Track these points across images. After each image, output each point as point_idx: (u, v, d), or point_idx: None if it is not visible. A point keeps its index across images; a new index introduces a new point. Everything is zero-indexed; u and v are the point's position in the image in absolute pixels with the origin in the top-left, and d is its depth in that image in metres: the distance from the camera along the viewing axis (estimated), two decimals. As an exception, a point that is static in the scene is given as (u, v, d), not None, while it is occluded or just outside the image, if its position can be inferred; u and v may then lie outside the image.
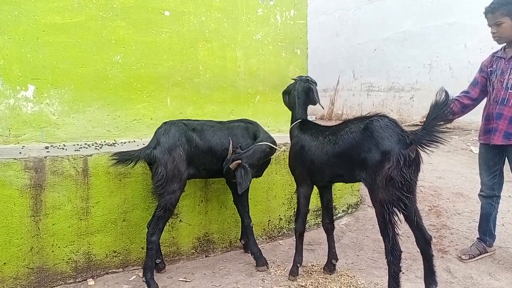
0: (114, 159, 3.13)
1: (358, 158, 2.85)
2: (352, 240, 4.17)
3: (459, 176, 5.50)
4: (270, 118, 4.97)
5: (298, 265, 3.39)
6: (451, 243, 3.96)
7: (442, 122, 2.60)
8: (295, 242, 3.45)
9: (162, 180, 3.13)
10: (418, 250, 3.79)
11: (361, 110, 10.15)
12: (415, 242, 2.97)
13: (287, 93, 3.61)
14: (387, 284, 2.85)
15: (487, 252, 3.73)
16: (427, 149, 2.70)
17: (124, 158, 3.13)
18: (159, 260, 3.52)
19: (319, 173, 3.18)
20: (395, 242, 2.75)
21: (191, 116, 4.43)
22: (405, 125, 3.58)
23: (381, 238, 2.83)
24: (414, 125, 3.68)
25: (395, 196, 2.70)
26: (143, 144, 3.64)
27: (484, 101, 3.72)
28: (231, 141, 3.41)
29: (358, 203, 4.92)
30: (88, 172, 3.39)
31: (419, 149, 2.74)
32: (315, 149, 3.15)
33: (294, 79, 3.59)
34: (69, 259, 3.37)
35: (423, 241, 2.94)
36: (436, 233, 4.14)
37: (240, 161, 3.29)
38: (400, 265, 2.80)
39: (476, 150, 6.45)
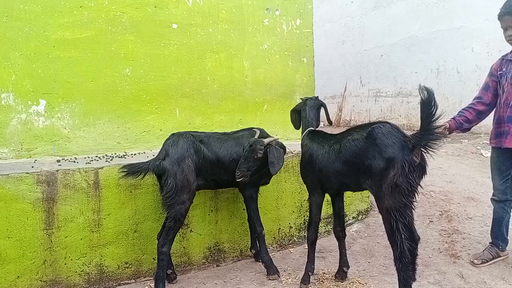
0: (123, 171, 3.17)
1: (363, 166, 2.87)
2: (363, 247, 4.16)
3: (470, 180, 5.46)
4: (278, 126, 4.99)
5: (310, 273, 3.39)
6: (463, 248, 3.93)
7: (435, 119, 2.60)
8: (307, 250, 3.45)
9: (171, 191, 3.16)
10: (430, 256, 3.80)
11: (369, 116, 10.15)
12: None
13: (295, 111, 3.67)
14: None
15: (500, 257, 3.69)
16: (431, 151, 2.70)
17: (133, 170, 3.16)
18: (171, 271, 3.54)
19: (327, 181, 3.20)
20: (403, 249, 2.74)
21: (200, 126, 4.47)
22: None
23: (390, 245, 2.83)
24: None
25: (402, 203, 2.71)
26: (153, 155, 3.69)
27: None
28: (258, 131, 3.50)
29: (368, 209, 4.90)
30: (99, 185, 3.44)
31: (423, 152, 2.74)
32: (322, 158, 3.18)
33: (302, 99, 3.65)
34: (81, 271, 3.40)
35: (411, 241, 2.90)
36: (448, 238, 4.11)
37: (275, 138, 3.36)
38: (410, 272, 2.79)
39: (486, 153, 6.40)
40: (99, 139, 4.04)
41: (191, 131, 3.53)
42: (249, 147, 3.29)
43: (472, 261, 3.67)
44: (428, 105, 2.59)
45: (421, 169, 2.78)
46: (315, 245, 3.43)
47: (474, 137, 7.45)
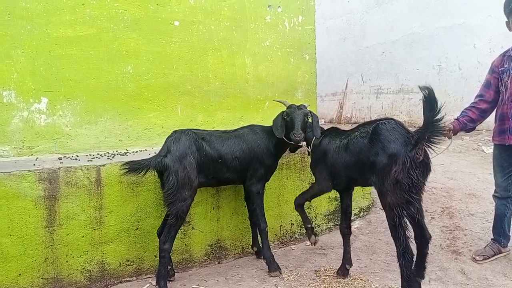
0: (125, 168, 3.17)
1: (368, 162, 2.90)
2: (365, 244, 4.16)
3: (471, 177, 5.45)
4: (280, 124, 4.97)
5: (310, 225, 3.60)
6: (464, 244, 3.93)
7: (437, 113, 2.61)
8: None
9: (173, 188, 3.16)
10: (432, 252, 3.80)
11: (370, 113, 10.14)
12: (413, 238, 2.94)
13: None
14: (401, 287, 2.85)
15: (502, 253, 3.69)
16: (433, 146, 2.71)
17: (135, 167, 3.17)
18: (169, 267, 3.54)
19: (338, 176, 3.23)
20: (406, 245, 2.76)
21: (201, 123, 4.46)
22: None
23: (394, 241, 2.84)
24: None
25: (404, 199, 2.72)
26: (155, 153, 3.70)
27: None
28: (287, 101, 3.67)
29: (370, 206, 4.90)
30: (101, 182, 3.44)
31: (426, 149, 2.75)
32: (333, 153, 3.24)
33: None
34: (83, 268, 3.41)
35: (422, 240, 2.96)
36: (450, 235, 4.11)
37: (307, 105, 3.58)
38: (413, 268, 2.79)
39: (487, 150, 6.39)
40: (100, 137, 4.04)
41: (193, 129, 3.53)
42: (300, 111, 3.42)
43: (474, 258, 3.66)
44: (430, 101, 2.61)
45: (425, 166, 2.78)
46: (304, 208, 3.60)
47: (475, 133, 7.44)
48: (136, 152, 4.05)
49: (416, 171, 2.70)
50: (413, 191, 2.71)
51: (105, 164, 3.47)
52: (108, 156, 3.77)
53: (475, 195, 4.86)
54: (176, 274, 3.69)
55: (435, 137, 2.66)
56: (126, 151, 4.03)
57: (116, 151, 4.03)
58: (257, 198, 3.61)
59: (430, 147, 2.72)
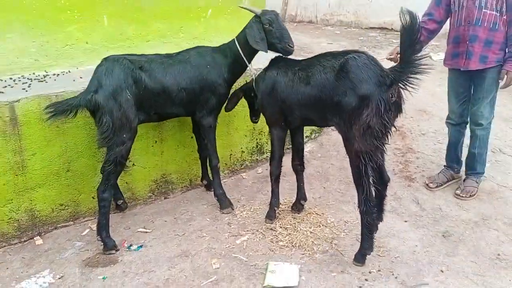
0: (50, 112, 2.61)
1: (331, 102, 2.54)
2: (317, 170, 4.00)
3: (421, 90, 5.32)
4: (225, 35, 4.33)
5: (276, 208, 3.23)
6: (417, 169, 3.88)
7: (418, 48, 2.29)
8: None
9: (108, 131, 2.70)
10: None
11: (316, 11, 9.54)
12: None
13: None
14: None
15: (454, 179, 3.68)
16: (411, 86, 2.41)
17: (61, 110, 2.62)
18: (121, 201, 3.32)
19: (290, 114, 2.85)
20: (369, 192, 2.56)
21: (133, 36, 3.81)
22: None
23: (347, 166, 2.70)
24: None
25: (373, 146, 2.46)
26: (81, 78, 3.15)
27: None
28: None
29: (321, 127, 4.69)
30: (17, 121, 2.87)
31: (401, 89, 2.45)
32: (285, 86, 2.80)
33: None
34: (9, 218, 3.00)
35: (381, 183, 2.79)
36: (402, 158, 4.05)
37: None
38: (374, 214, 2.64)
39: (435, 57, 6.27)
40: (11, 57, 3.32)
41: (127, 55, 2.95)
42: (280, 18, 3.00)
43: (427, 184, 3.63)
44: (410, 32, 2.24)
45: (397, 107, 2.51)
46: (279, 180, 3.20)
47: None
48: (58, 75, 3.42)
49: (389, 114, 2.42)
50: (384, 137, 2.46)
51: (19, 100, 2.87)
52: (23, 84, 3.13)
53: (426, 111, 4.78)
54: (119, 214, 3.37)
55: (413, 77, 2.34)
56: (45, 74, 3.39)
57: (33, 73, 3.37)
58: (208, 132, 3.22)
59: (406, 88, 2.41)
